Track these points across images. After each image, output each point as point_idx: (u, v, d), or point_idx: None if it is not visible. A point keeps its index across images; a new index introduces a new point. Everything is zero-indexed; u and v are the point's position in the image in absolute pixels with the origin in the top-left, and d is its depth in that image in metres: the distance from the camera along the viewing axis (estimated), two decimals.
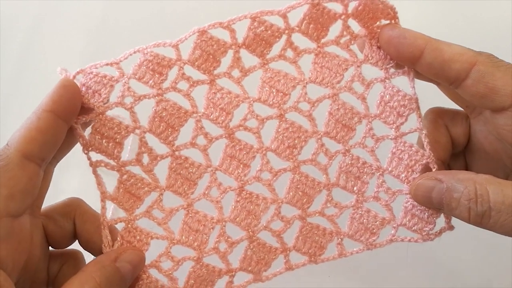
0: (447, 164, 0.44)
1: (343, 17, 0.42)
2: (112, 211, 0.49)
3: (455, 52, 0.38)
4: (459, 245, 0.60)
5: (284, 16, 0.41)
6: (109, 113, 0.40)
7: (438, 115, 0.44)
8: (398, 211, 0.44)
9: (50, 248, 0.41)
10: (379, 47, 0.42)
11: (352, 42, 0.43)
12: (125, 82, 0.40)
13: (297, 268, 0.44)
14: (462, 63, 0.38)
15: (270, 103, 0.43)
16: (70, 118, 0.38)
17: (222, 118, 0.42)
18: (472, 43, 0.40)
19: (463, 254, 0.61)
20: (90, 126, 0.40)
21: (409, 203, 0.43)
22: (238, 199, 0.43)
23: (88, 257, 0.42)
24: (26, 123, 0.36)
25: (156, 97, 0.41)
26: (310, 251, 0.44)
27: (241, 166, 0.43)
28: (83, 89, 0.39)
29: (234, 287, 0.43)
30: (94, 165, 0.41)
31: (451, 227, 0.43)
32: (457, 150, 0.44)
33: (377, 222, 0.44)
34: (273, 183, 0.43)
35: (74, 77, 0.39)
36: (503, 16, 0.68)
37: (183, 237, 0.42)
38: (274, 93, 0.43)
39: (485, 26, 0.68)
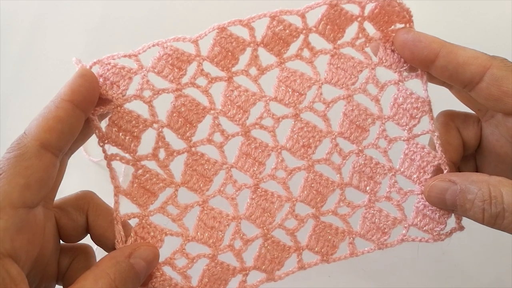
0: (457, 166, 0.45)
1: (359, 19, 0.43)
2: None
3: (470, 56, 0.39)
4: (471, 245, 0.61)
5: (303, 16, 0.42)
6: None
7: (450, 118, 0.45)
8: (410, 211, 0.45)
9: (61, 242, 0.39)
10: (393, 50, 0.43)
11: (367, 45, 0.44)
12: (144, 75, 0.40)
13: (309, 268, 0.44)
14: (476, 66, 0.39)
15: (286, 102, 0.43)
16: (88, 109, 0.37)
17: (239, 116, 0.42)
18: (472, 43, 0.41)
19: (475, 254, 0.61)
20: (107, 118, 0.40)
21: (420, 203, 0.44)
22: (253, 197, 0.43)
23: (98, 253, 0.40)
24: (44, 112, 0.35)
25: (175, 92, 0.40)
26: (322, 250, 0.44)
27: (256, 164, 0.43)
28: (101, 80, 0.39)
29: (247, 286, 0.42)
30: (109, 158, 0.40)
31: (461, 228, 0.44)
32: (468, 152, 0.45)
33: (389, 222, 0.44)
34: (288, 181, 0.43)
35: (91, 67, 0.38)
36: (503, 15, 0.70)
37: (198, 233, 0.41)
38: (290, 92, 0.43)
39: (485, 26, 0.70)
